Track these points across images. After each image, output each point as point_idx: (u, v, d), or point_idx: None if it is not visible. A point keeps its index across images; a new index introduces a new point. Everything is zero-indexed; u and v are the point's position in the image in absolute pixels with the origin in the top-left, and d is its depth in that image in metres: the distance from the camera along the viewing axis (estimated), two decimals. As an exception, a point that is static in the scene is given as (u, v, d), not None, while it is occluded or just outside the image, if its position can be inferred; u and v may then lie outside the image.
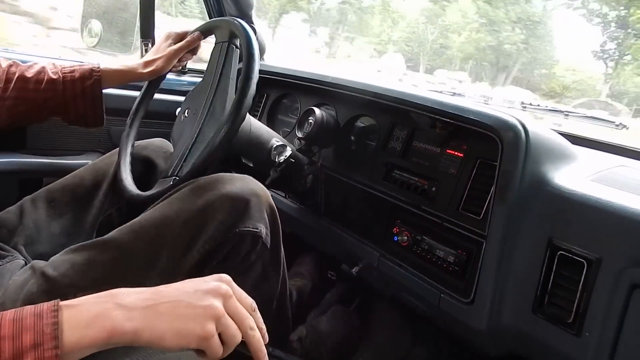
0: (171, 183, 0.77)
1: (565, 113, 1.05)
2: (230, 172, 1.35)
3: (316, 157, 1.01)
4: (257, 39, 0.82)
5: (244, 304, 0.49)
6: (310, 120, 0.97)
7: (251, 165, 0.92)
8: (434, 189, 0.84)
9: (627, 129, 0.96)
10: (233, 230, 0.72)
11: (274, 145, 0.93)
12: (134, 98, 0.96)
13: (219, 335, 0.45)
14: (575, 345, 0.64)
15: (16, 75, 0.82)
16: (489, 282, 0.71)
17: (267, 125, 1.03)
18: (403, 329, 1.23)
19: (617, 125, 0.97)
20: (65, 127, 1.21)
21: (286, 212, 1.13)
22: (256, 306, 0.51)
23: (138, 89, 0.97)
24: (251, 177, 0.78)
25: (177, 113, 0.94)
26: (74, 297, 0.55)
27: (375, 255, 0.91)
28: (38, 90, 0.82)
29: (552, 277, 0.67)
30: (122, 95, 0.94)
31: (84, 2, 1.31)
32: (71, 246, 0.72)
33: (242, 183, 0.75)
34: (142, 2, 1.30)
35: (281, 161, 0.92)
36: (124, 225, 0.73)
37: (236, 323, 0.46)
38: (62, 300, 0.42)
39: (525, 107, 1.11)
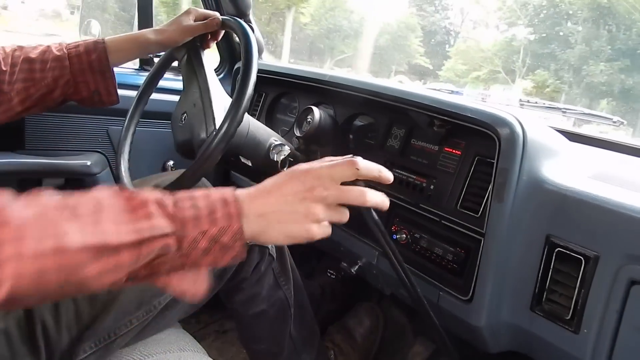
0: (214, 134, 0.73)
1: (563, 110, 1.05)
2: (230, 171, 1.36)
3: (315, 156, 1.01)
4: (255, 37, 0.82)
5: (343, 175, 0.51)
6: (309, 119, 0.97)
7: (250, 164, 0.93)
8: (432, 187, 0.84)
9: (625, 125, 0.96)
10: None
11: (273, 145, 0.93)
12: (132, 98, 0.96)
13: None
14: (574, 342, 0.65)
15: (21, 57, 0.80)
16: (488, 279, 0.71)
17: (266, 125, 1.03)
18: (403, 326, 1.23)
19: (614, 122, 0.97)
20: (64, 126, 1.22)
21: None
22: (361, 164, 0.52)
23: (136, 88, 0.97)
24: None
25: (173, 119, 0.92)
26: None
27: (374, 254, 0.92)
28: (44, 70, 0.80)
29: (550, 274, 0.67)
30: (121, 95, 0.95)
31: (82, 2, 1.31)
32: None
33: None
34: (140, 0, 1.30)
35: (280, 160, 0.92)
36: None
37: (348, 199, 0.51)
38: None
39: (523, 105, 1.11)
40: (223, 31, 0.92)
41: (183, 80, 0.90)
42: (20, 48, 0.81)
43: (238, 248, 0.47)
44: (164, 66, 0.97)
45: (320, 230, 0.51)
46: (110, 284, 0.42)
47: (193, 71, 0.87)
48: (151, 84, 0.97)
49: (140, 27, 1.32)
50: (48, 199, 0.40)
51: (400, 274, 0.65)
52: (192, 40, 0.89)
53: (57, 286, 0.38)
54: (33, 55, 0.80)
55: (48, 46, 0.82)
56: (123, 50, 0.86)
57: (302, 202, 0.50)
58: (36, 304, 0.39)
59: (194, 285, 0.49)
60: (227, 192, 0.48)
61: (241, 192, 0.49)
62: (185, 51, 0.90)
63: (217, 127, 0.74)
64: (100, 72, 0.83)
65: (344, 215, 0.53)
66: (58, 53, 0.81)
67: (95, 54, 0.82)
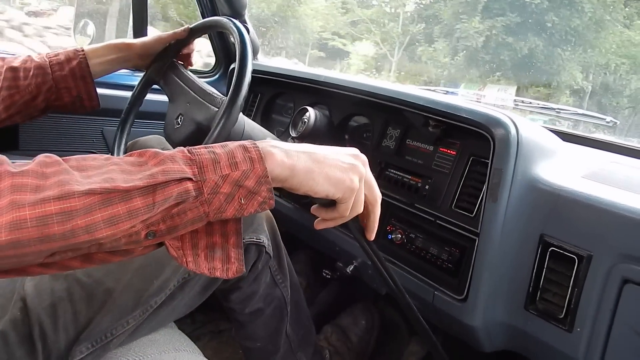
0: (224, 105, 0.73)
1: (557, 110, 1.05)
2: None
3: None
4: (250, 38, 0.82)
5: (376, 191, 0.54)
6: (304, 120, 0.97)
7: None
8: (427, 187, 0.85)
9: (617, 124, 0.97)
10: None
11: (268, 145, 0.93)
12: (127, 98, 0.95)
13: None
14: (568, 341, 0.65)
15: (4, 67, 0.83)
16: (482, 279, 0.72)
17: (261, 125, 1.03)
18: (399, 326, 1.23)
19: (607, 122, 0.97)
20: (58, 127, 1.22)
21: (281, 211, 1.13)
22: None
23: (131, 89, 0.97)
24: None
25: (167, 127, 0.92)
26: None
27: (369, 254, 0.92)
28: (28, 77, 0.83)
29: (543, 273, 0.68)
30: (115, 96, 0.94)
31: (77, 2, 1.30)
32: None
33: None
34: (135, 1, 1.30)
35: None
36: None
37: (368, 190, 0.53)
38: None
39: (517, 105, 1.11)
40: (195, 41, 0.94)
41: (168, 95, 0.90)
42: (2, 59, 0.85)
43: (265, 193, 0.44)
44: (146, 87, 0.96)
45: (356, 193, 0.50)
46: (125, 237, 0.39)
47: (176, 82, 0.88)
48: (146, 84, 0.96)
49: (135, 31, 1.32)
50: (50, 156, 0.39)
51: (388, 282, 0.65)
52: (167, 57, 0.91)
53: (62, 235, 0.36)
54: (16, 64, 0.83)
55: (29, 55, 0.86)
56: (101, 56, 0.89)
57: (348, 159, 0.50)
58: (40, 259, 0.37)
59: (225, 261, 0.47)
60: (245, 142, 0.47)
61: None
62: (162, 72, 0.91)
63: (230, 91, 0.73)
64: (82, 78, 0.87)
65: (362, 207, 0.53)
66: (39, 61, 0.85)
67: (75, 61, 0.86)
